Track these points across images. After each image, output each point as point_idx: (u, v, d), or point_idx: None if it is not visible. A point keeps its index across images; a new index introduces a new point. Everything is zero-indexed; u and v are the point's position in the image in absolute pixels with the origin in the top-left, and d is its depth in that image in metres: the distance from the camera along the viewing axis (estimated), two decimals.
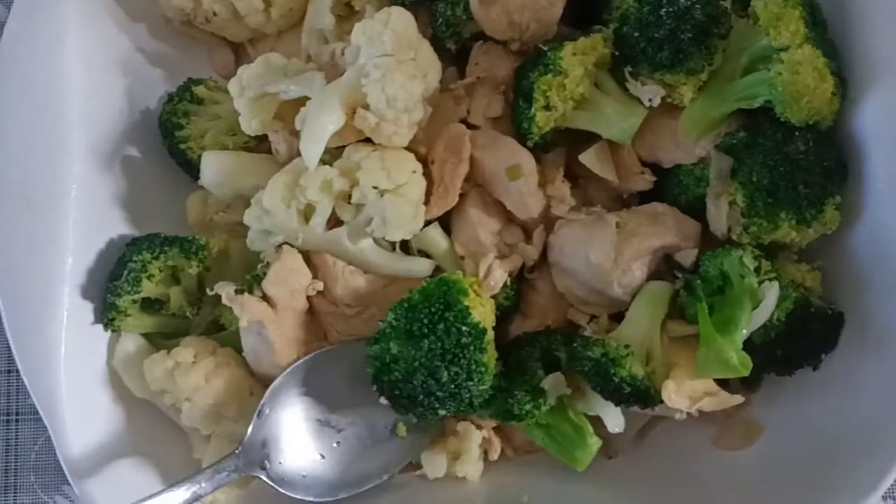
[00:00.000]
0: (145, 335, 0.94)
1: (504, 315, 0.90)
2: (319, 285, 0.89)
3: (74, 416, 0.87)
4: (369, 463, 0.91)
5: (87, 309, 0.91)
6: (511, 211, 0.91)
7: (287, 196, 0.85)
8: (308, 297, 0.90)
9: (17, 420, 1.04)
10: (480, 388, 0.82)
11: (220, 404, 0.88)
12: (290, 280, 0.87)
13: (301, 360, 0.89)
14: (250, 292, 0.87)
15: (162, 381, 0.88)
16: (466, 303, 0.80)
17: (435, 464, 0.93)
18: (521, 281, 0.92)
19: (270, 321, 0.86)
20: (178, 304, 0.92)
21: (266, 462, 0.87)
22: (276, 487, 0.87)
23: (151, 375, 0.89)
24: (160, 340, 0.95)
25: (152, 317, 0.94)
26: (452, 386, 0.81)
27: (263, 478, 0.86)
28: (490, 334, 0.83)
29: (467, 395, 0.82)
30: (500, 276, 0.87)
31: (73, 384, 0.88)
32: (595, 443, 0.89)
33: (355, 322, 0.90)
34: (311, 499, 0.89)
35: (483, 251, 0.88)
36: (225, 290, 0.87)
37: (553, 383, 0.87)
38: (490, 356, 0.83)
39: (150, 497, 0.80)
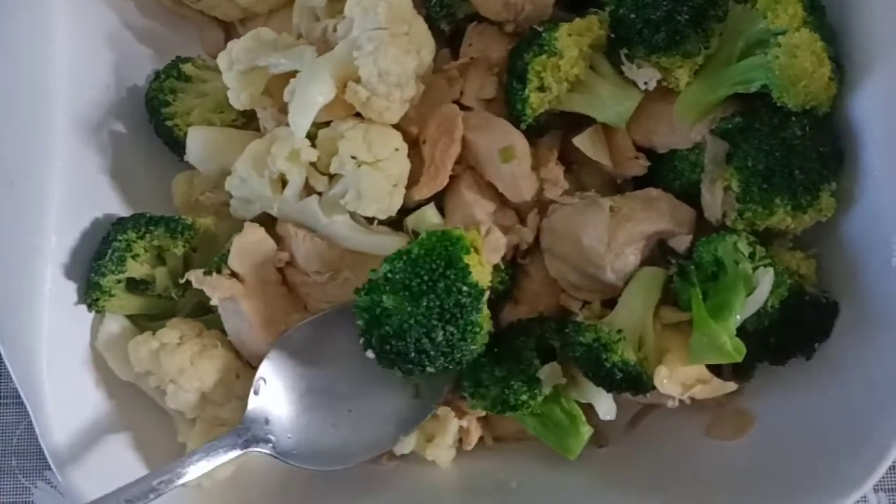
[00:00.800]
0: (130, 317, 0.93)
1: (497, 300, 0.89)
2: (285, 256, 0.87)
3: (56, 399, 0.85)
4: (383, 428, 0.88)
5: (70, 289, 0.89)
6: (504, 194, 0.89)
7: (259, 164, 0.84)
8: (280, 270, 0.88)
9: None
10: (472, 347, 0.80)
11: (206, 387, 0.87)
12: (253, 253, 0.86)
13: (292, 329, 0.87)
14: (219, 272, 0.86)
15: (146, 362, 0.87)
16: (468, 261, 0.78)
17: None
18: (514, 266, 0.91)
19: (243, 296, 0.85)
20: (164, 285, 0.91)
21: (271, 436, 0.85)
22: (286, 461, 0.85)
23: (136, 357, 0.87)
24: (145, 322, 0.93)
25: (137, 298, 0.92)
26: (446, 345, 0.78)
27: (269, 452, 0.84)
28: (486, 294, 0.81)
29: (458, 355, 0.80)
30: (498, 237, 0.85)
31: (56, 366, 0.86)
32: (587, 431, 0.88)
33: (329, 288, 0.88)
34: (323, 468, 0.87)
35: (479, 223, 0.86)
36: (194, 275, 0.86)
37: (549, 373, 0.86)
38: (484, 317, 0.81)
39: (147, 476, 0.78)
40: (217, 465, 0.82)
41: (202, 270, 0.86)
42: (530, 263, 0.92)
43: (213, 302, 0.86)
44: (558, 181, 0.90)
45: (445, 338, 0.78)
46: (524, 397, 0.85)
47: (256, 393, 0.85)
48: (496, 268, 0.87)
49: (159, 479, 0.78)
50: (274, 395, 0.86)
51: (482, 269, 0.80)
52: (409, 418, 0.89)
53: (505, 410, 0.86)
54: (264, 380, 0.86)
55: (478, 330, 0.79)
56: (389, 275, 0.78)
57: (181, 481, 0.79)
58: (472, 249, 0.79)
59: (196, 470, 0.80)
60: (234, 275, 0.86)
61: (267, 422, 0.85)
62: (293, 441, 0.86)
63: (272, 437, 0.85)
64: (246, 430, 0.84)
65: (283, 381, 0.87)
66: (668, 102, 0.88)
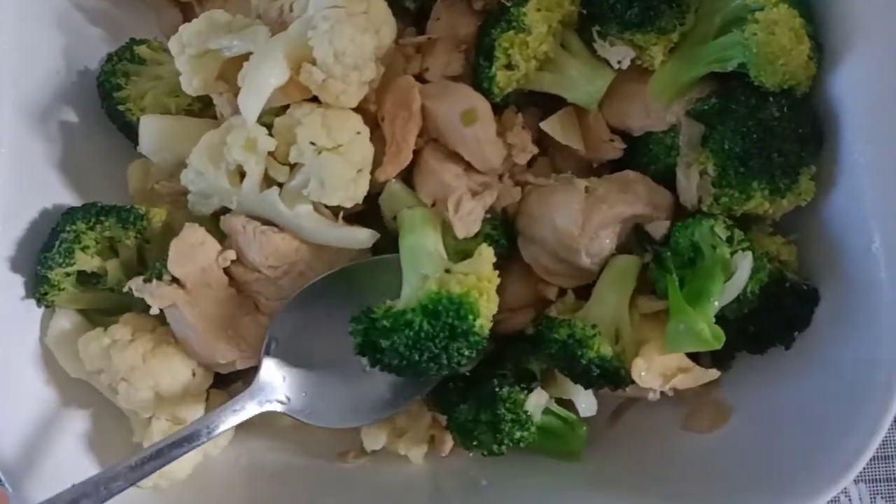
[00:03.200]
0: (82, 312, 0.89)
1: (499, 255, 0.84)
2: (231, 255, 0.84)
3: (3, 397, 0.81)
4: (399, 385, 0.86)
5: (17, 282, 0.85)
6: (470, 162, 0.85)
7: (215, 156, 0.80)
8: (225, 270, 0.84)
9: None
10: (472, 357, 0.77)
11: (160, 385, 0.83)
12: (195, 256, 0.82)
13: (308, 285, 0.85)
14: (160, 278, 0.82)
15: (97, 360, 0.83)
16: (475, 323, 0.74)
17: (373, 436, 0.90)
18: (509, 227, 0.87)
19: (184, 303, 0.82)
20: (116, 279, 0.87)
21: (286, 395, 0.83)
22: (300, 419, 0.84)
23: (86, 354, 0.84)
24: (99, 317, 0.89)
25: (89, 292, 0.88)
26: (446, 367, 0.76)
27: (283, 411, 0.83)
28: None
29: (456, 365, 0.77)
30: (472, 207, 0.82)
31: (2, 363, 0.82)
32: (585, 430, 0.88)
33: (283, 282, 0.84)
34: (337, 425, 0.86)
35: (451, 191, 0.82)
36: (134, 283, 0.83)
37: (536, 403, 0.85)
38: (486, 325, 0.76)
39: (169, 440, 0.76)
40: (234, 424, 0.80)
41: (142, 277, 0.83)
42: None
43: (153, 311, 0.82)
44: (526, 146, 0.86)
45: (447, 364, 0.76)
46: (518, 435, 0.84)
47: (268, 353, 0.84)
48: (489, 235, 0.84)
49: (176, 440, 0.77)
50: (288, 353, 0.84)
51: (489, 306, 0.76)
52: (412, 385, 0.86)
53: (503, 452, 0.85)
54: (276, 339, 0.84)
55: (484, 340, 0.76)
56: (395, 341, 0.75)
57: (194, 445, 0.78)
58: (477, 310, 0.74)
59: (217, 429, 0.79)
60: (175, 280, 0.82)
61: (284, 379, 0.83)
62: (308, 399, 0.84)
63: (288, 396, 0.83)
64: (260, 390, 0.82)
65: (295, 340, 0.84)
66: (642, 83, 0.85)
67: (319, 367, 0.85)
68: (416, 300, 0.74)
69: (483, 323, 0.75)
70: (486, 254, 0.77)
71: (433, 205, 0.84)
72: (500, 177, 0.86)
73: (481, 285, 0.75)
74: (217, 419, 0.80)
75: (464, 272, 0.75)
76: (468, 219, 0.82)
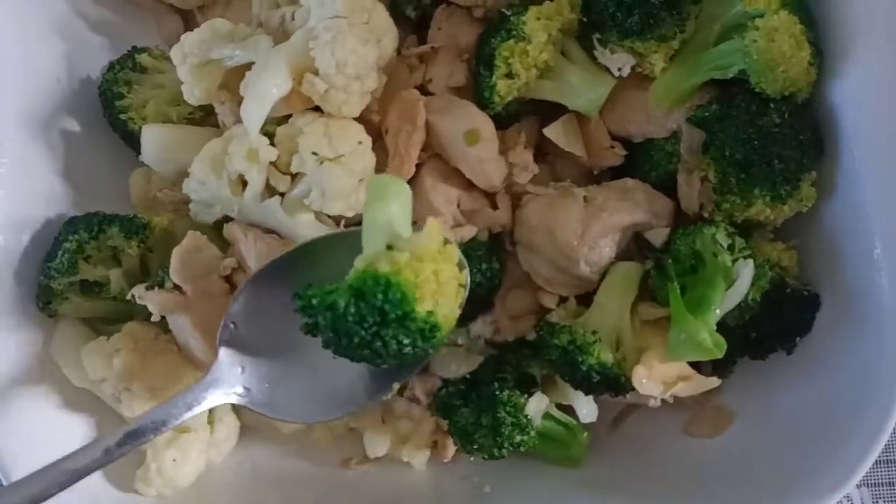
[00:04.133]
0: (86, 320, 0.89)
1: (487, 289, 0.85)
2: (232, 263, 0.83)
3: (7, 406, 0.82)
4: (367, 379, 0.79)
5: (20, 292, 0.85)
6: (470, 180, 0.85)
7: (217, 165, 0.80)
8: (227, 278, 0.84)
9: None
10: (434, 342, 0.68)
11: (162, 393, 0.83)
12: (196, 264, 0.82)
13: (264, 267, 0.78)
14: (162, 286, 0.82)
15: (100, 369, 0.83)
16: (412, 309, 0.64)
17: (376, 442, 0.90)
18: (502, 252, 0.87)
19: (185, 310, 0.81)
20: (119, 288, 0.87)
21: (246, 386, 0.77)
22: (262, 413, 0.78)
23: (89, 363, 0.84)
24: (102, 326, 0.90)
25: (92, 301, 0.88)
26: (399, 354, 0.67)
27: (243, 403, 0.77)
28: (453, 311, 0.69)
29: (418, 354, 0.68)
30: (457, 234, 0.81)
31: (6, 373, 0.82)
32: (586, 437, 0.87)
33: None
34: (300, 421, 0.81)
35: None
36: (137, 290, 0.82)
37: (537, 407, 0.85)
38: (448, 314, 0.68)
39: (105, 437, 0.72)
40: (187, 418, 0.74)
41: (145, 285, 0.83)
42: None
43: (155, 318, 0.82)
44: (527, 165, 0.86)
45: (384, 351, 0.67)
46: (518, 439, 0.84)
47: (226, 339, 0.77)
48: (479, 258, 0.83)
49: (118, 438, 0.71)
50: (247, 340, 0.78)
51: (436, 308, 0.66)
52: (392, 372, 0.78)
53: (503, 456, 0.85)
54: (234, 324, 0.78)
55: (437, 332, 0.67)
56: (316, 316, 0.66)
57: (140, 442, 0.72)
58: (412, 294, 0.64)
59: (167, 425, 0.73)
60: (177, 288, 0.82)
61: (243, 369, 0.77)
62: (270, 390, 0.78)
63: (248, 387, 0.77)
64: (216, 381, 0.76)
65: (257, 325, 0.78)
66: (642, 90, 0.85)
67: (283, 356, 0.78)
68: (346, 279, 0.66)
69: (428, 310, 0.65)
70: (433, 228, 0.67)
71: (414, 223, 0.82)
72: (495, 196, 0.87)
73: (418, 265, 0.64)
74: (166, 414, 0.73)
75: (401, 249, 0.66)
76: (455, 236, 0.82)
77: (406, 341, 0.65)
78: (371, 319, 0.64)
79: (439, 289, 0.66)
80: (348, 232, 0.79)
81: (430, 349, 0.68)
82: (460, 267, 0.69)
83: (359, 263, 0.65)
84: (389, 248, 0.66)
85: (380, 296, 0.63)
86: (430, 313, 0.65)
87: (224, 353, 0.78)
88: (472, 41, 0.87)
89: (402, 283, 0.63)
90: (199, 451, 0.87)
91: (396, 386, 0.80)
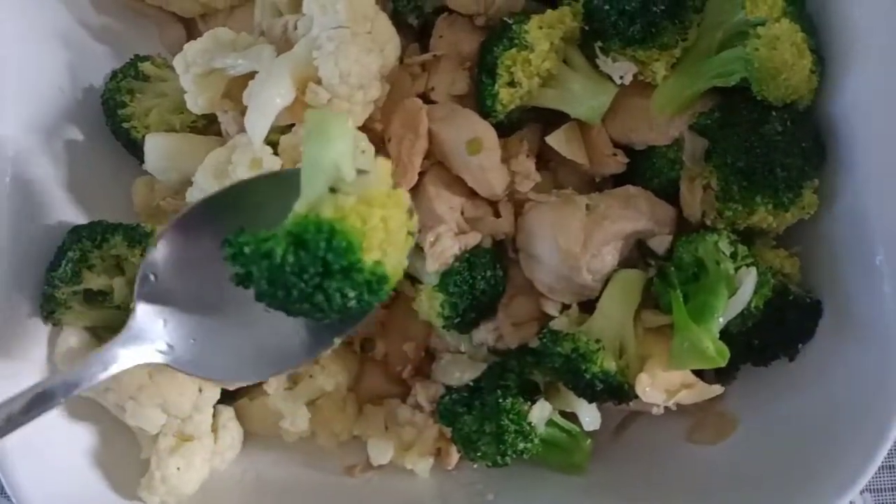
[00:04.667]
0: (90, 329, 0.89)
1: (490, 297, 0.85)
2: None
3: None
4: (305, 334, 0.72)
5: (24, 301, 0.85)
6: (473, 188, 0.86)
7: (220, 174, 0.80)
8: None
9: None
10: (381, 296, 0.62)
11: (167, 402, 0.83)
12: None
13: (187, 210, 0.71)
14: None
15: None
16: (358, 259, 0.58)
17: (380, 450, 0.89)
18: (505, 259, 0.88)
19: None
20: (123, 297, 0.87)
21: (168, 343, 0.70)
22: (188, 373, 0.73)
23: None
24: (106, 334, 0.89)
25: (95, 309, 0.88)
26: (329, 310, 0.61)
27: (165, 362, 0.71)
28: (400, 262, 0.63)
29: (346, 309, 0.62)
30: (448, 245, 0.81)
31: (10, 381, 0.81)
32: (589, 444, 0.87)
33: None
34: (231, 381, 0.75)
35: (438, 223, 0.82)
36: None
37: (540, 414, 0.85)
38: (395, 267, 0.62)
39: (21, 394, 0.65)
40: (103, 379, 0.68)
41: None
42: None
43: None
44: (529, 174, 0.86)
45: (326, 304, 0.60)
46: (521, 446, 0.84)
47: (145, 292, 0.69)
48: (482, 265, 0.83)
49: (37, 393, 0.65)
50: (171, 293, 0.71)
51: (384, 258, 0.61)
52: (334, 326, 0.72)
53: (507, 463, 0.85)
54: (155, 275, 0.70)
55: (385, 284, 0.61)
56: (250, 266, 0.60)
57: (49, 406, 0.66)
58: (358, 243, 0.58)
59: (79, 386, 0.67)
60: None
61: (165, 324, 0.70)
62: (198, 347, 0.71)
63: (171, 344, 0.70)
64: (134, 338, 0.69)
65: (181, 276, 0.71)
66: (644, 97, 0.85)
67: (212, 310, 0.72)
68: (285, 224, 0.59)
69: (376, 260, 0.59)
70: (382, 169, 0.61)
71: (419, 230, 0.79)
72: (498, 203, 0.87)
73: (366, 210, 0.59)
74: (79, 376, 0.67)
75: (346, 192, 0.60)
76: (441, 255, 0.82)
77: (351, 294, 0.59)
78: (312, 270, 0.58)
79: (388, 237, 0.60)
80: (285, 173, 0.72)
81: (377, 302, 0.62)
82: (410, 213, 0.64)
83: (299, 208, 0.59)
84: (333, 191, 0.60)
85: (323, 244, 0.57)
86: (377, 263, 0.59)
87: (143, 308, 0.70)
88: (474, 49, 0.88)
89: (347, 230, 0.58)
90: (203, 459, 0.87)
91: (338, 341, 0.74)
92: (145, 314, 0.71)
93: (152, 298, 0.71)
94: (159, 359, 0.71)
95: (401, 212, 0.62)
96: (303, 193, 0.60)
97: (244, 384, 0.77)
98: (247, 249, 0.59)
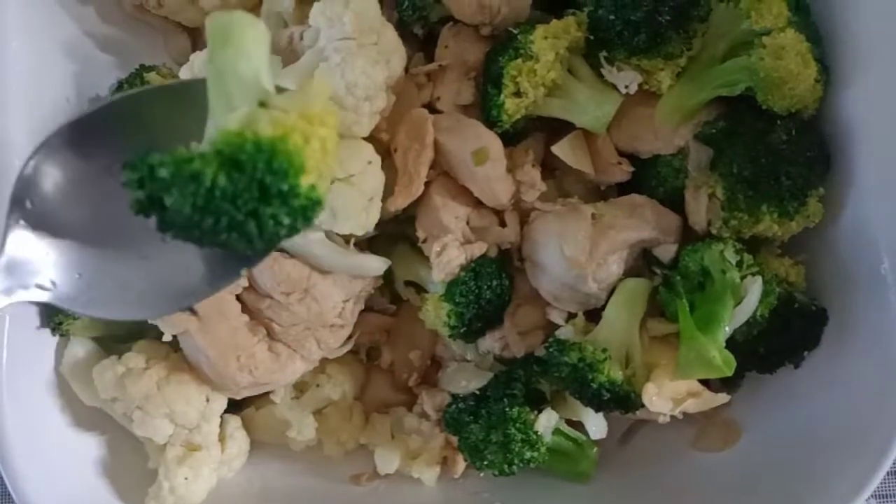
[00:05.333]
0: (97, 339, 0.89)
1: (497, 306, 0.85)
2: (242, 282, 0.83)
3: (18, 426, 0.81)
4: (201, 265, 0.65)
5: (32, 312, 0.85)
6: (479, 198, 0.86)
7: None
8: (238, 297, 0.84)
9: None
10: (296, 228, 0.57)
11: (174, 412, 0.83)
12: None
13: (81, 116, 0.62)
14: None
15: (112, 388, 0.83)
16: (297, 182, 0.54)
17: (387, 459, 0.90)
18: (511, 268, 0.88)
19: (196, 330, 0.81)
20: None
21: (50, 278, 0.62)
22: (73, 311, 0.67)
23: (101, 383, 0.84)
24: (112, 344, 0.90)
25: (103, 320, 0.88)
26: (256, 239, 0.56)
27: (47, 300, 0.64)
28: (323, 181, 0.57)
29: (275, 237, 0.57)
30: (455, 256, 0.82)
31: (17, 392, 0.82)
32: (595, 452, 0.87)
33: (296, 309, 0.83)
34: (122, 317, 0.66)
35: (444, 233, 0.83)
36: None
37: (546, 423, 0.85)
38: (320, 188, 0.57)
39: None
40: None
41: None
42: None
43: (167, 338, 0.83)
44: (535, 183, 0.86)
45: (256, 233, 0.55)
46: (528, 455, 0.84)
47: (20, 220, 0.61)
48: (489, 274, 0.83)
49: None
50: (50, 221, 0.62)
51: (318, 181, 0.56)
52: (239, 258, 0.64)
53: (514, 472, 0.85)
54: (31, 200, 0.61)
55: (317, 209, 0.57)
56: (171, 191, 0.52)
57: None
58: (300, 164, 0.54)
59: None
60: (188, 307, 0.81)
61: (47, 256, 0.62)
62: (84, 283, 0.63)
63: (53, 280, 0.62)
64: (10, 273, 0.61)
65: (64, 200, 0.62)
66: (649, 106, 0.85)
67: (100, 239, 0.64)
68: (211, 144, 0.53)
69: (311, 184, 0.55)
70: (319, 86, 0.56)
71: (424, 240, 0.84)
72: (503, 212, 0.87)
73: (308, 128, 0.54)
74: None
75: (284, 108, 0.54)
76: (447, 265, 0.83)
77: (286, 221, 0.54)
78: (248, 195, 0.52)
79: (324, 158, 0.55)
80: (179, 85, 0.65)
81: (304, 229, 0.57)
82: (340, 134, 0.59)
83: (229, 123, 0.52)
84: (262, 106, 0.54)
85: (261, 165, 0.52)
86: (312, 188, 0.54)
87: (17, 238, 0.62)
88: (479, 59, 0.87)
89: (290, 149, 0.52)
90: (211, 469, 0.87)
91: (245, 272, 0.68)
92: (21, 244, 0.61)
93: (29, 228, 0.62)
94: (40, 297, 0.63)
95: (335, 131, 0.57)
96: (223, 108, 0.54)
97: (138, 319, 0.69)
98: (163, 172, 0.51)
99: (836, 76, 0.83)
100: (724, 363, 0.76)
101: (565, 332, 0.84)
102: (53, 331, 0.86)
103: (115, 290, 0.64)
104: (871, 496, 0.98)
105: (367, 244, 0.87)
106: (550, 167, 0.91)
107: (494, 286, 0.84)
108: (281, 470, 0.94)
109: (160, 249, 0.60)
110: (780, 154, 0.80)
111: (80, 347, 0.87)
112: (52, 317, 0.85)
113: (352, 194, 0.77)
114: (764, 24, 0.78)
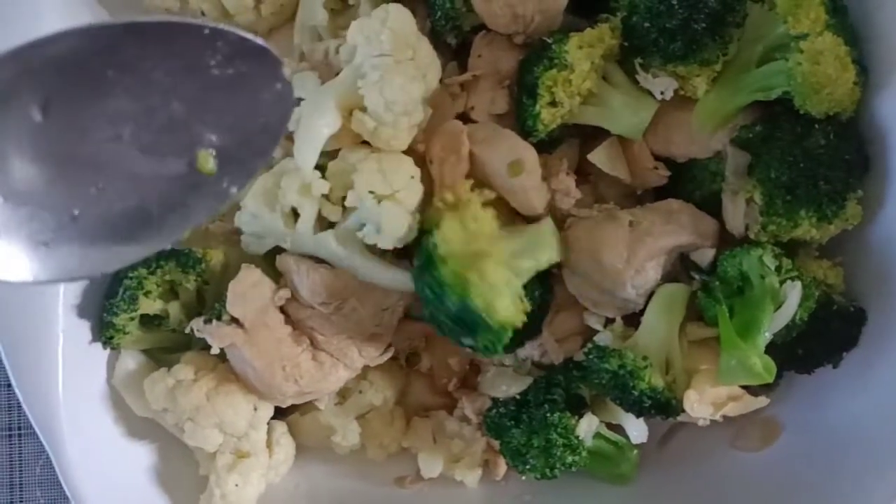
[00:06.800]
0: (146, 351, 0.92)
1: (538, 315, 0.85)
2: (286, 293, 0.85)
3: (75, 437, 0.84)
4: (152, 213, 0.58)
5: (83, 327, 0.88)
6: (515, 208, 0.87)
7: (270, 199, 0.82)
8: (281, 308, 0.86)
9: (19, 435, 1.02)
10: None
11: (224, 422, 0.86)
12: (252, 296, 0.84)
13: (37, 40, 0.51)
14: (219, 319, 0.84)
15: (163, 400, 0.86)
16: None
17: (431, 464, 0.91)
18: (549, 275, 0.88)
19: (243, 342, 0.83)
20: (178, 320, 0.90)
21: None
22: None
23: (152, 394, 0.86)
24: (161, 355, 0.92)
25: (152, 333, 0.91)
26: None
27: None
28: None
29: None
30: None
31: (73, 404, 0.85)
32: (636, 454, 0.89)
33: (336, 319, 0.85)
34: (59, 277, 0.57)
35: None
36: (195, 324, 0.85)
37: (587, 427, 0.86)
38: None
39: None
40: None
41: (203, 318, 0.85)
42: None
43: (214, 350, 0.85)
44: (570, 191, 0.87)
45: None
46: (570, 459, 0.85)
47: None
48: (530, 284, 0.83)
49: None
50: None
51: None
52: (194, 207, 0.59)
53: (555, 476, 0.86)
54: None
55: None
56: None
57: None
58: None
59: None
60: (234, 320, 0.84)
61: None
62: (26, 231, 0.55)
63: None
64: None
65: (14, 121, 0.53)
66: (685, 111, 0.85)
67: (42, 191, 0.55)
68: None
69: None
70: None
71: None
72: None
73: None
74: None
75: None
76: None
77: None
78: None
79: None
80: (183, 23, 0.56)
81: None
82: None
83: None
84: None
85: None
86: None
87: None
88: (513, 67, 0.88)
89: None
90: (259, 474, 0.90)
91: (187, 233, 0.61)
92: None
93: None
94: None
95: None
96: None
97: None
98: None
99: (874, 77, 0.82)
100: (765, 370, 0.76)
101: (604, 338, 0.85)
102: (105, 345, 0.89)
103: (45, 252, 0.56)
104: None
105: (403, 248, 0.88)
106: (585, 171, 0.91)
107: (536, 297, 0.84)
108: (326, 473, 0.96)
109: (98, 204, 0.54)
110: (817, 158, 0.79)
111: (130, 360, 0.90)
112: (104, 332, 0.88)
113: (397, 211, 0.78)
114: (801, 28, 0.77)
